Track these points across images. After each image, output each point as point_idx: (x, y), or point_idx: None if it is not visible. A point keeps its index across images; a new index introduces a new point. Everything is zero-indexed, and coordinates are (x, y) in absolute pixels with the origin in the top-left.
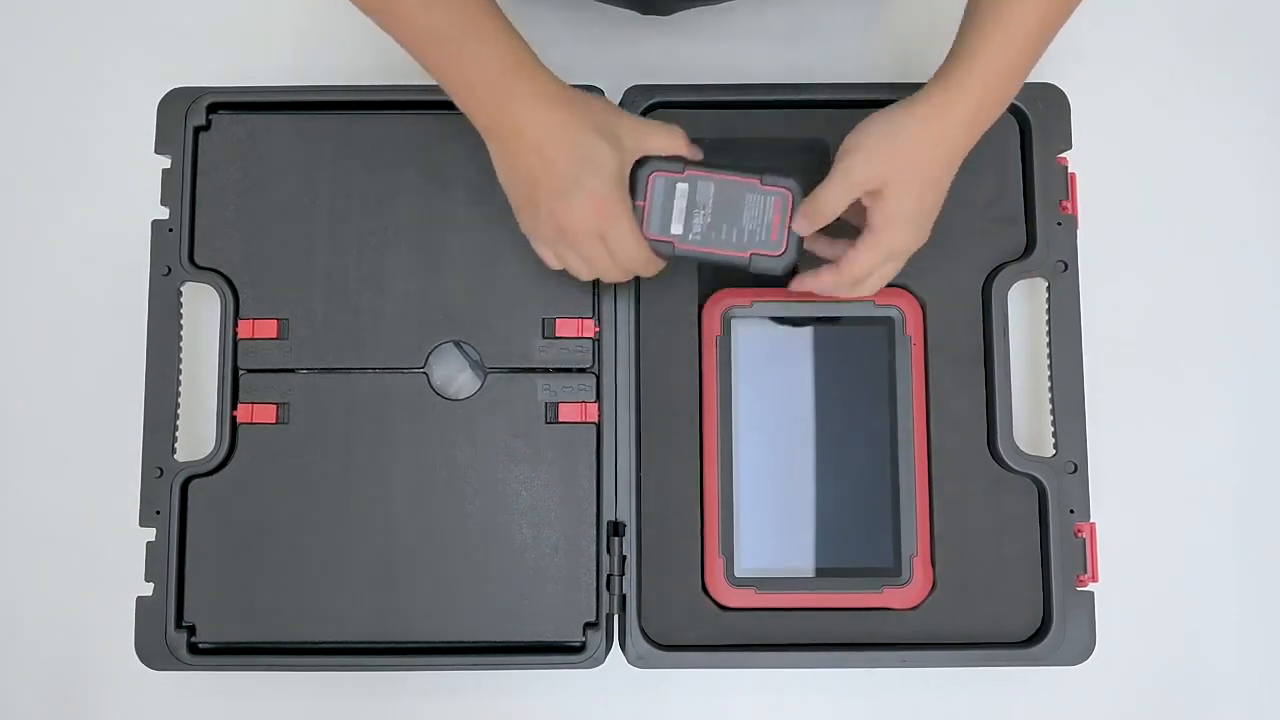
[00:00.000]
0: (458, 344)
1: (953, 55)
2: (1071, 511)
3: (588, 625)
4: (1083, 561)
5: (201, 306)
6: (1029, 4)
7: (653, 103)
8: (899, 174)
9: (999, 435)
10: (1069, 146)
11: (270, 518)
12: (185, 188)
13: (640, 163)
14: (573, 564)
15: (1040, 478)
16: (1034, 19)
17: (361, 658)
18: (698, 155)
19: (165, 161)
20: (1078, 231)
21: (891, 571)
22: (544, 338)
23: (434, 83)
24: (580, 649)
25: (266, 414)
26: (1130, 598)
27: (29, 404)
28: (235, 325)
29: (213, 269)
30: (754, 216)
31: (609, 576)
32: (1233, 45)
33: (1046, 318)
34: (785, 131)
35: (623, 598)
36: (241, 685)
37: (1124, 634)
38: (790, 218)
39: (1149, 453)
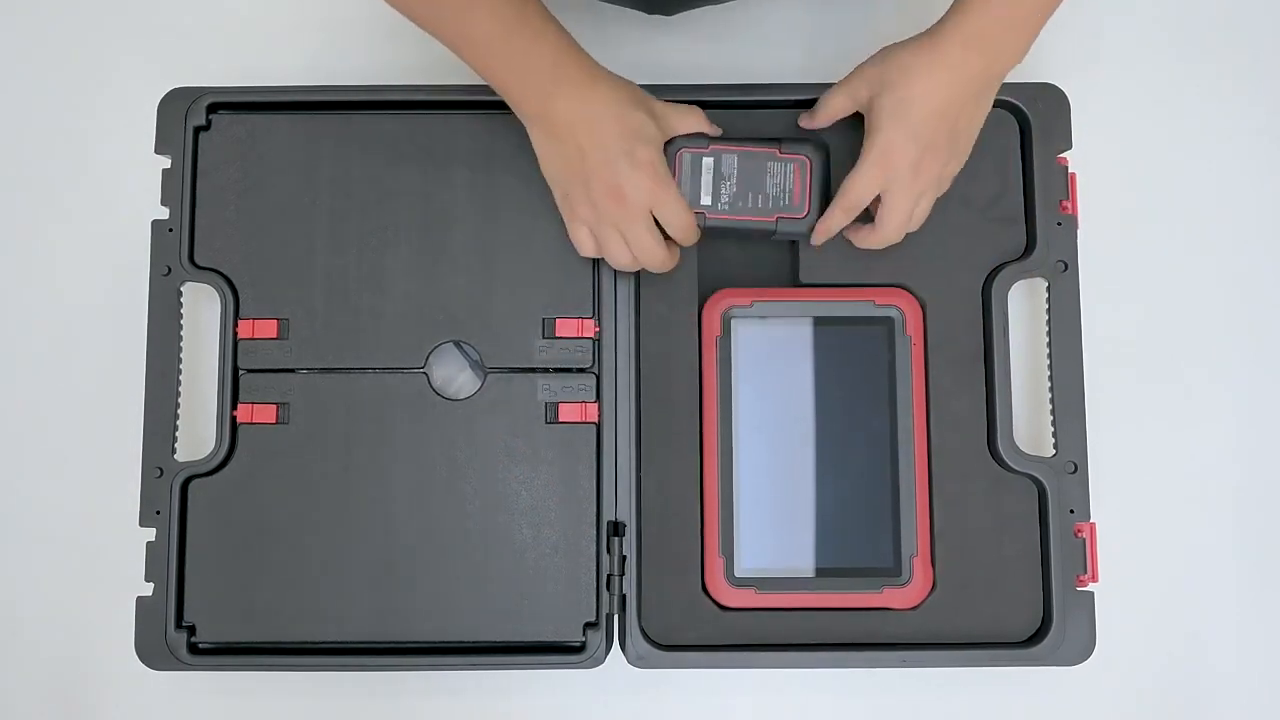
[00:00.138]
0: (458, 344)
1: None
2: (1071, 511)
3: (588, 625)
4: (1083, 561)
5: (201, 306)
6: None
7: None
8: (889, 77)
9: (999, 435)
10: (1069, 146)
11: (270, 518)
12: (185, 188)
13: (668, 141)
14: (573, 564)
15: (1040, 478)
16: None
17: (361, 658)
18: (717, 132)
19: (165, 161)
20: (1078, 231)
21: (891, 571)
22: (544, 338)
23: (434, 83)
24: (580, 649)
25: (266, 414)
26: (1130, 598)
27: (29, 404)
28: (235, 325)
29: (213, 269)
30: (776, 183)
31: (609, 576)
32: (1233, 45)
33: (1046, 318)
34: (786, 131)
35: (623, 598)
36: (241, 685)
37: (1124, 634)
38: (810, 182)
39: (1149, 453)
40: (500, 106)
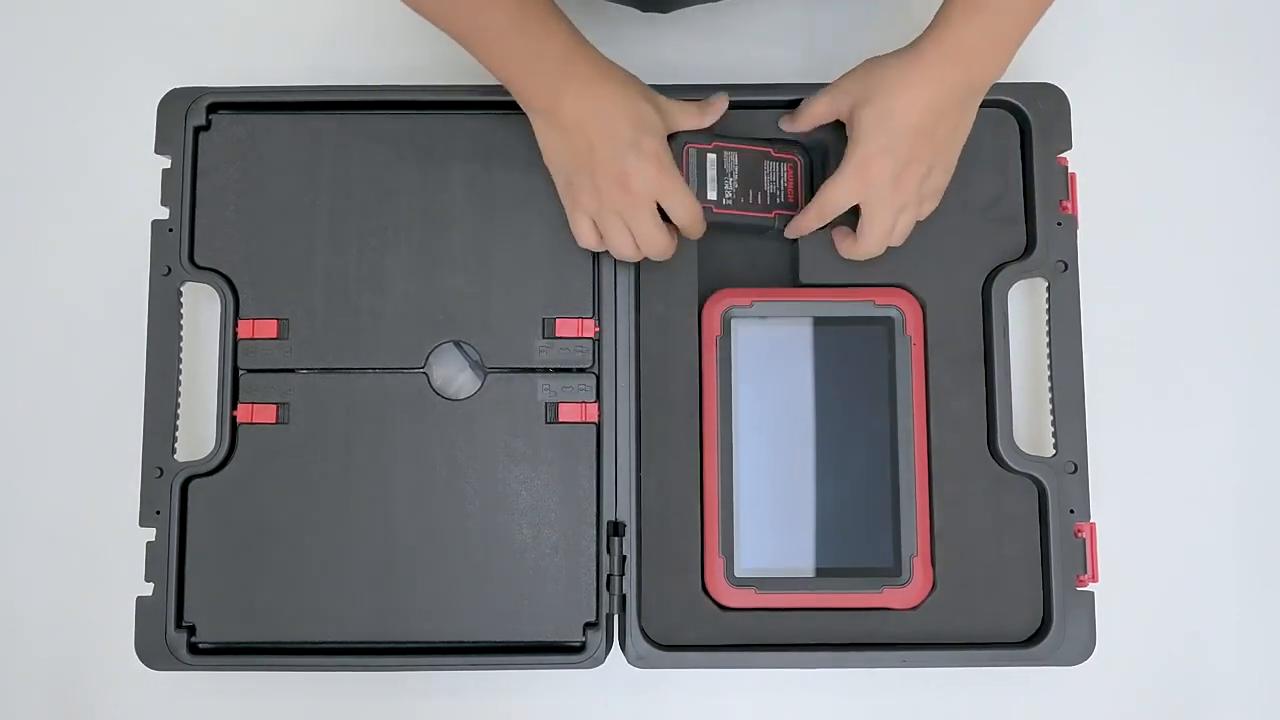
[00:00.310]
0: (458, 344)
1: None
2: (1071, 511)
3: (588, 625)
4: (1083, 561)
5: (201, 306)
6: None
7: None
8: (872, 91)
9: (999, 435)
10: (1069, 146)
11: (270, 518)
12: (185, 188)
13: (672, 137)
14: (573, 564)
15: (1040, 478)
16: None
17: (361, 658)
18: (722, 108)
19: (165, 161)
20: (1078, 231)
21: (891, 571)
22: (544, 338)
23: (434, 83)
24: (580, 649)
25: (266, 414)
26: (1130, 598)
27: (29, 404)
28: (235, 325)
29: (213, 269)
30: (773, 180)
31: (609, 576)
32: (1233, 45)
33: (1046, 318)
34: (775, 133)
35: (623, 598)
36: (241, 685)
37: (1124, 634)
38: (801, 182)
39: (1149, 453)
40: (500, 107)
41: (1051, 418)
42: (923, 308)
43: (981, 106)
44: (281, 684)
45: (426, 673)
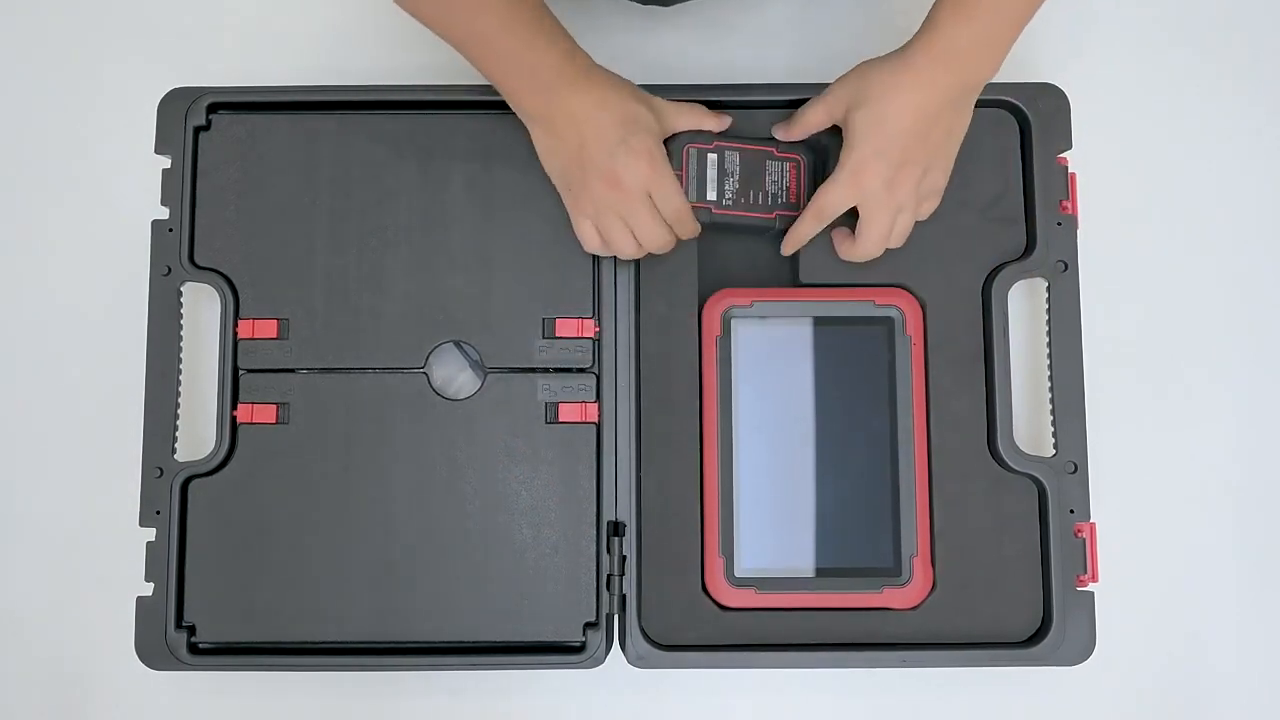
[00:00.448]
0: (458, 344)
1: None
2: (1071, 511)
3: (588, 625)
4: (1083, 561)
5: (201, 306)
6: None
7: None
8: (865, 95)
9: (999, 435)
10: (1069, 146)
11: (270, 518)
12: (185, 188)
13: (672, 138)
14: (573, 564)
15: (1040, 478)
16: None
17: (361, 658)
18: (723, 126)
19: (165, 161)
20: (1078, 231)
21: (891, 571)
22: (544, 338)
23: (434, 83)
24: (580, 649)
25: (266, 414)
26: (1130, 598)
27: (29, 404)
28: (235, 325)
29: (213, 269)
30: (775, 181)
31: (609, 576)
32: (1233, 45)
33: (1046, 318)
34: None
35: (623, 598)
36: (241, 685)
37: (1124, 634)
38: (804, 182)
39: (1149, 453)
40: (500, 107)
41: (1051, 418)
42: (923, 308)
43: (981, 106)
44: (281, 684)
45: (426, 673)
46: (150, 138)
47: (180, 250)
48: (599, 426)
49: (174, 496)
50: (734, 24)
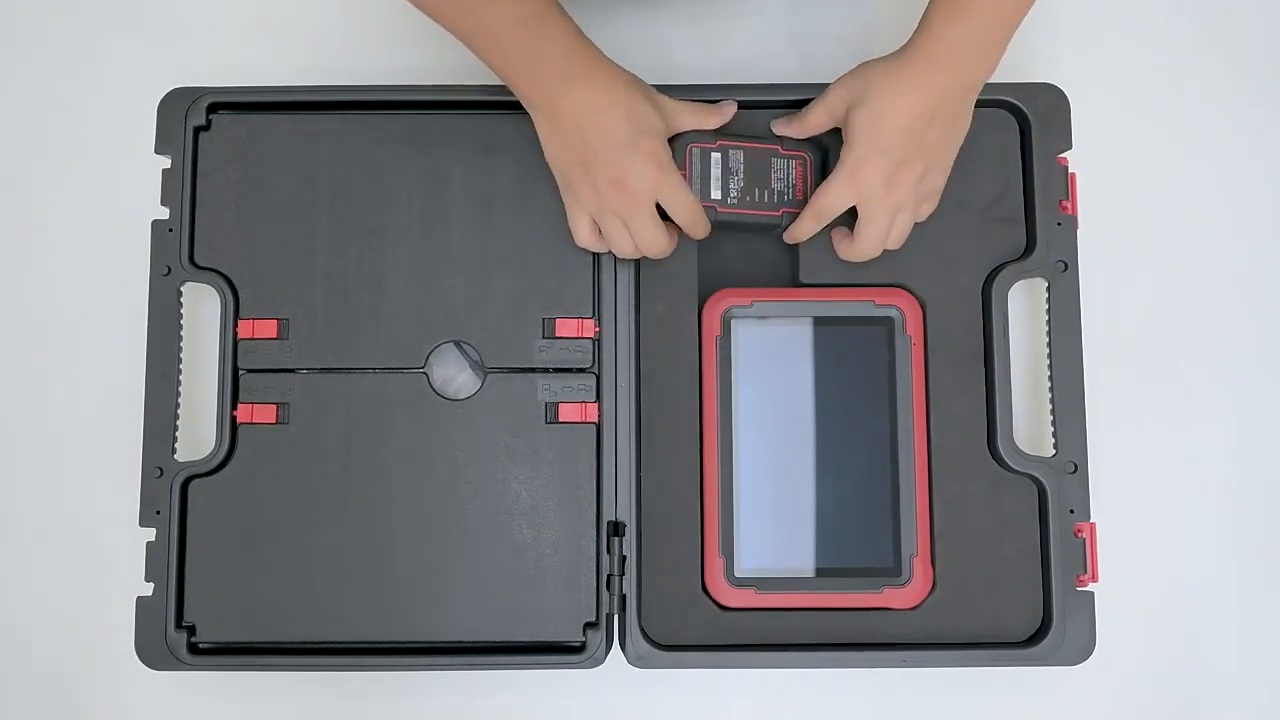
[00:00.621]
0: (458, 344)
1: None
2: (1071, 511)
3: (588, 625)
4: (1083, 561)
5: (201, 306)
6: None
7: None
8: (864, 95)
9: (999, 435)
10: (1069, 146)
11: (270, 518)
12: (185, 188)
13: (675, 138)
14: (573, 564)
15: (1040, 478)
16: None
17: (361, 658)
18: (730, 114)
19: (165, 161)
20: (1078, 231)
21: (891, 571)
22: (544, 338)
23: (434, 83)
24: (580, 649)
25: (266, 414)
26: (1130, 598)
27: (29, 404)
28: (235, 325)
29: (213, 269)
30: (780, 178)
31: (609, 576)
32: (1233, 45)
33: (1046, 318)
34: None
35: (623, 598)
36: (241, 685)
37: (1124, 634)
38: (811, 179)
39: (1149, 453)
40: (500, 107)
41: (1051, 418)
42: (923, 308)
43: (981, 106)
44: (281, 684)
45: (426, 673)
46: (150, 138)
47: (180, 250)
48: (599, 426)
49: (174, 496)
50: (735, 31)
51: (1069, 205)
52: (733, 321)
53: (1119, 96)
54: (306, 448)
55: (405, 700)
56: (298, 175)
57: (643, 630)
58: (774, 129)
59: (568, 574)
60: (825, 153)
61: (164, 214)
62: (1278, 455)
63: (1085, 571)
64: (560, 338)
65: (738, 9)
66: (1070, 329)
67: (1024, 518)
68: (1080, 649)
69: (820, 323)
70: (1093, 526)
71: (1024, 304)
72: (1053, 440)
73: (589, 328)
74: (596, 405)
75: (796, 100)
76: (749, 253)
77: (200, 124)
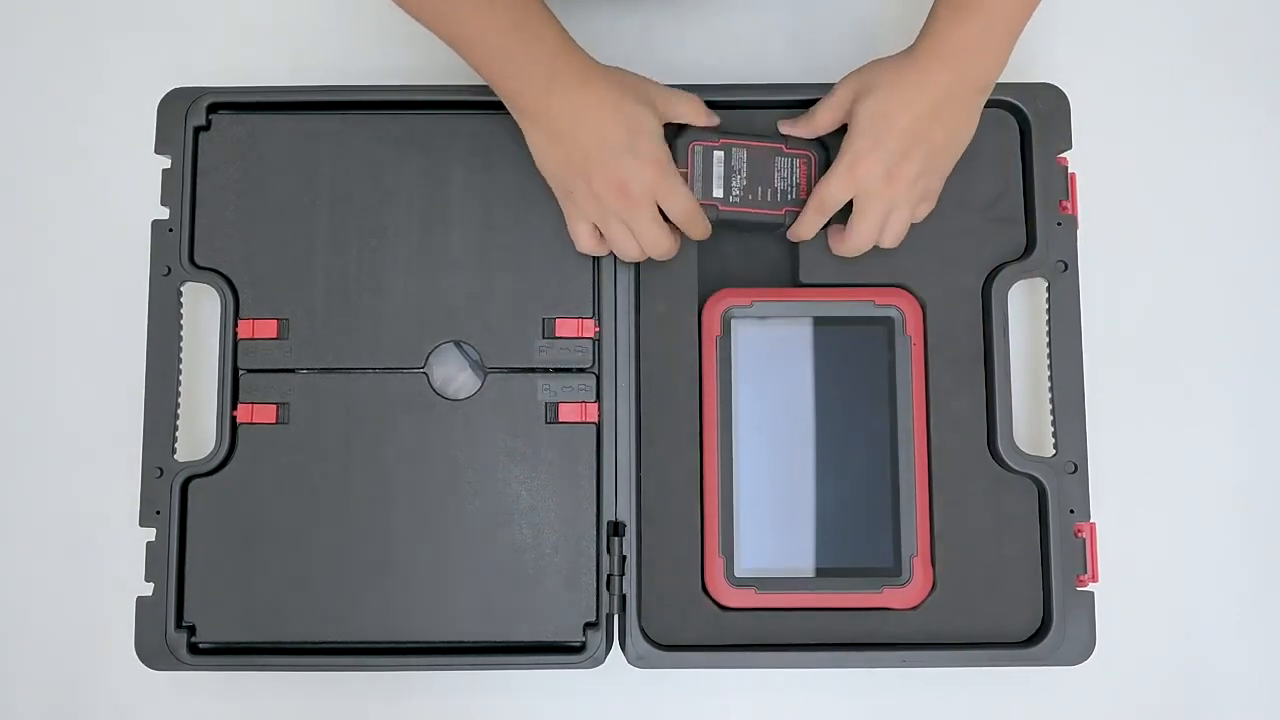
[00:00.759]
0: (458, 344)
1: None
2: (1071, 511)
3: (588, 625)
4: (1083, 561)
5: (201, 306)
6: None
7: None
8: (870, 89)
9: (999, 435)
10: (1069, 146)
11: (270, 518)
12: (185, 188)
13: (678, 133)
14: (573, 564)
15: (1040, 478)
16: None
17: (361, 658)
18: (714, 121)
19: (165, 161)
20: (1078, 231)
21: (891, 571)
22: (544, 338)
23: (434, 83)
24: (580, 649)
25: (266, 414)
26: (1130, 598)
27: (29, 404)
28: (235, 325)
29: (213, 269)
30: (784, 177)
31: (609, 576)
32: (1233, 45)
33: (1046, 318)
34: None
35: (623, 598)
36: (241, 685)
37: (1124, 634)
38: (815, 178)
39: (1149, 453)
40: (500, 107)
41: (1051, 418)
42: (923, 308)
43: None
44: (281, 684)
45: (426, 673)
46: (150, 138)
47: (180, 250)
48: (599, 426)
49: (174, 496)
50: (734, 31)
51: (1069, 205)
52: (733, 321)
53: (1119, 96)
54: (306, 448)
55: (405, 700)
56: (298, 175)
57: (643, 630)
58: (781, 129)
59: (568, 574)
60: (829, 151)
61: (164, 214)
62: (1278, 455)
63: (1085, 571)
64: (560, 338)
65: (740, 8)
66: (1070, 329)
67: (1024, 518)
68: (1080, 649)
69: (820, 323)
70: (1093, 526)
71: (1024, 304)
72: (1053, 440)
73: (589, 328)
74: (596, 405)
75: (800, 100)
76: (749, 253)
77: (200, 124)
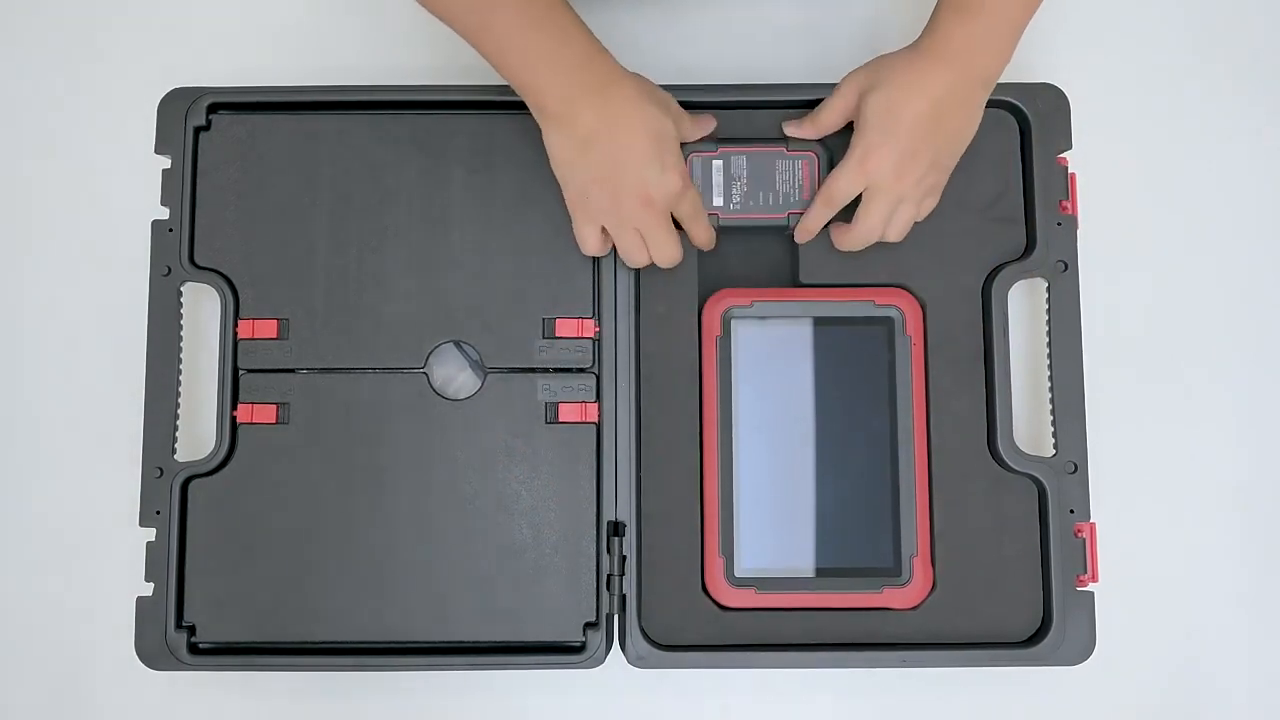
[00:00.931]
0: (458, 344)
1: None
2: (1071, 511)
3: (588, 625)
4: (1083, 561)
5: (201, 306)
6: None
7: None
8: (877, 84)
9: (999, 435)
10: (1069, 146)
11: (270, 518)
12: (185, 188)
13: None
14: (573, 564)
15: (1040, 478)
16: None
17: (361, 658)
18: (711, 126)
19: (165, 161)
20: (1078, 231)
21: (891, 571)
22: (544, 338)
23: (434, 83)
24: (580, 649)
25: (266, 414)
26: (1130, 598)
27: (29, 404)
28: (235, 325)
29: (213, 269)
30: (786, 180)
31: (609, 576)
32: (1233, 45)
33: (1046, 318)
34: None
35: (623, 598)
36: (241, 685)
37: (1124, 634)
38: (819, 178)
39: (1149, 453)
40: (500, 107)
41: (1051, 418)
42: (923, 308)
43: None
44: (281, 684)
45: (426, 673)
46: (150, 138)
47: (180, 250)
48: (599, 426)
49: (174, 496)
50: (735, 31)
51: (1069, 205)
52: (733, 321)
53: (1119, 96)
54: (306, 448)
55: (405, 700)
56: (298, 175)
57: (643, 630)
58: (785, 130)
59: (568, 574)
60: (832, 151)
61: (164, 214)
62: (1278, 455)
63: (1085, 571)
64: (560, 338)
65: (741, 7)
66: (1070, 329)
67: (1024, 518)
68: (1080, 649)
69: (820, 323)
70: (1093, 526)
71: (1024, 304)
72: (1053, 440)
73: (589, 328)
74: (596, 405)
75: (802, 100)
76: (749, 253)
77: (200, 124)
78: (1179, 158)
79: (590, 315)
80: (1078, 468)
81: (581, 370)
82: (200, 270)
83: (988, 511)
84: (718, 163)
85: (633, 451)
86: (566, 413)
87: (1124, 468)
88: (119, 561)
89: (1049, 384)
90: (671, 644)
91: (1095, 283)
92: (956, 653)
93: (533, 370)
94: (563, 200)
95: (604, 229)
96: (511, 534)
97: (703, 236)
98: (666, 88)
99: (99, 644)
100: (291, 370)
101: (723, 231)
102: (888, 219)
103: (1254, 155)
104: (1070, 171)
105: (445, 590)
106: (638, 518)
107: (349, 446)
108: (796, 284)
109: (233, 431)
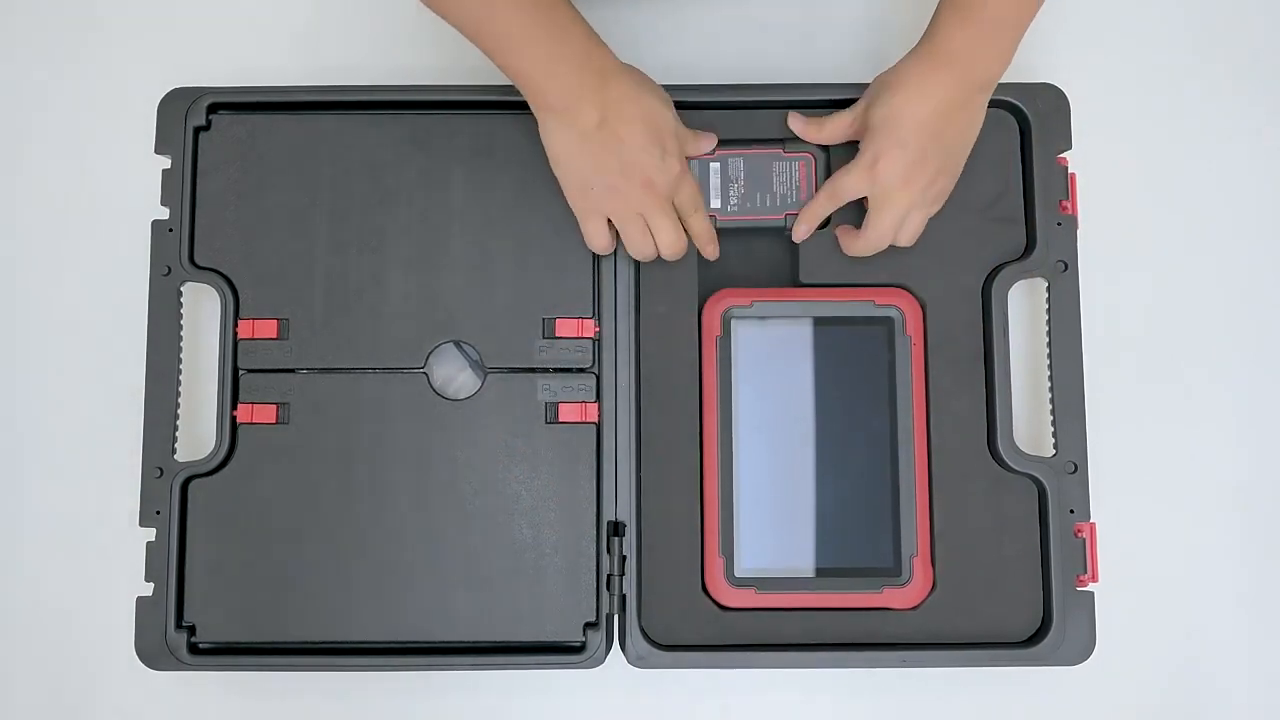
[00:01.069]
0: (458, 344)
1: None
2: (1071, 511)
3: (588, 625)
4: (1083, 561)
5: (201, 306)
6: None
7: None
8: (880, 92)
9: (999, 435)
10: (1069, 146)
11: (270, 518)
12: (185, 188)
13: None
14: (573, 564)
15: (1040, 478)
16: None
17: (361, 658)
18: (712, 143)
19: (165, 161)
20: (1078, 231)
21: (891, 571)
22: (544, 338)
23: (434, 83)
24: (580, 649)
25: (266, 414)
26: (1130, 598)
27: (29, 404)
28: (235, 325)
29: (213, 269)
30: (783, 181)
31: (609, 576)
32: (1233, 45)
33: (1046, 318)
34: (784, 132)
35: (623, 598)
36: (241, 685)
37: (1124, 634)
38: (816, 178)
39: (1149, 453)
40: (500, 107)
41: (1051, 418)
42: (923, 308)
43: None
44: (281, 684)
45: (426, 673)
46: (150, 138)
47: (180, 250)
48: (599, 426)
49: (174, 496)
50: (735, 31)
51: (1069, 205)
52: (733, 321)
53: (1119, 96)
54: (306, 448)
55: (405, 700)
56: (298, 175)
57: (643, 630)
58: (790, 124)
59: (568, 574)
60: (829, 155)
61: (164, 214)
62: (1278, 455)
63: (1085, 571)
64: (560, 338)
65: (741, 7)
66: (1070, 329)
67: (1024, 518)
68: (1080, 649)
69: (820, 323)
70: (1093, 526)
71: (1024, 304)
72: (1053, 440)
73: (589, 328)
74: (596, 405)
75: (801, 100)
76: (749, 253)
77: (200, 124)
78: (1179, 158)
79: (590, 315)
80: (1078, 468)
81: (581, 370)
82: (200, 270)
83: (988, 511)
84: (715, 165)
85: (633, 451)
86: (566, 413)
87: (1124, 468)
88: (119, 561)
89: (1049, 384)
90: (671, 644)
91: (1095, 283)
92: (956, 653)
93: (533, 370)
94: (563, 200)
95: (609, 223)
96: (511, 534)
97: (701, 229)
98: (665, 87)
99: (99, 644)
100: (291, 370)
101: (721, 233)
102: (898, 225)
103: (1254, 155)
104: (1070, 171)
105: (445, 590)
106: (638, 518)
107: (349, 446)
108: (796, 284)
109: (233, 431)
